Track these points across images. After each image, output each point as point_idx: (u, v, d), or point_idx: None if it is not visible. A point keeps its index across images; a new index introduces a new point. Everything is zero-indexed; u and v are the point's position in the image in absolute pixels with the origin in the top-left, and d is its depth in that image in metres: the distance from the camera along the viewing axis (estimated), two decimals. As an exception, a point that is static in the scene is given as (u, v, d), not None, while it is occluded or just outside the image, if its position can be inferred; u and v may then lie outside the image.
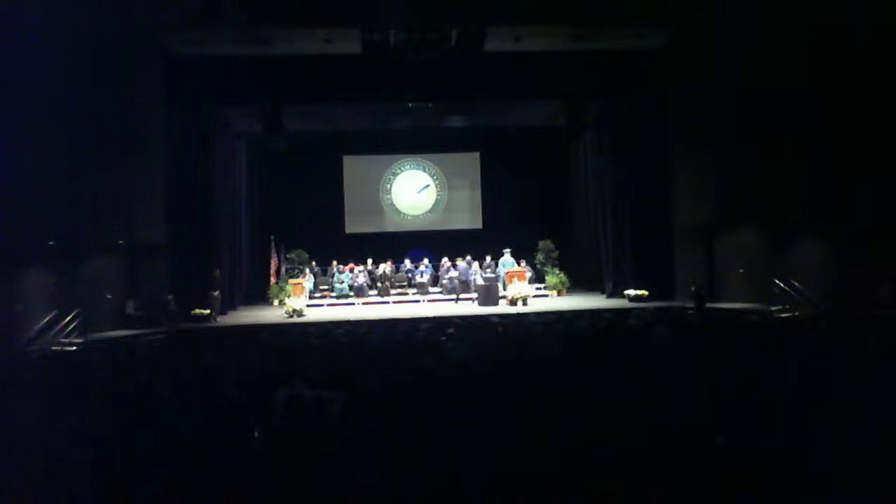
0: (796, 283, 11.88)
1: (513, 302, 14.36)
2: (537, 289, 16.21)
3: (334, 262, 16.90)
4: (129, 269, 13.15)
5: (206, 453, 3.11)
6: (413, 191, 19.58)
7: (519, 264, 16.16)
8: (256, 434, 3.33)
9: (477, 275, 16.52)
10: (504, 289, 15.11)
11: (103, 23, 11.48)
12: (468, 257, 16.50)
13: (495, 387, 4.05)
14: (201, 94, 13.84)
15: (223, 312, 14.31)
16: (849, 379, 4.01)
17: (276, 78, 13.99)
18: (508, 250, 16.45)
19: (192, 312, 13.17)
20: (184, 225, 13.63)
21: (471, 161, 19.58)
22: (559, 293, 16.38)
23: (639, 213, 14.98)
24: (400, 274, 16.85)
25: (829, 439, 3.08)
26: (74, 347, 10.31)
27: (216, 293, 13.63)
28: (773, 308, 11.86)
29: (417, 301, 15.81)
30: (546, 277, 16.86)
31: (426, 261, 17.07)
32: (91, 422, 3.63)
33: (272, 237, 17.21)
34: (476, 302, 14.84)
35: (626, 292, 14.60)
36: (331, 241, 18.19)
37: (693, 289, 12.93)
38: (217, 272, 13.60)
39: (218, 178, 14.79)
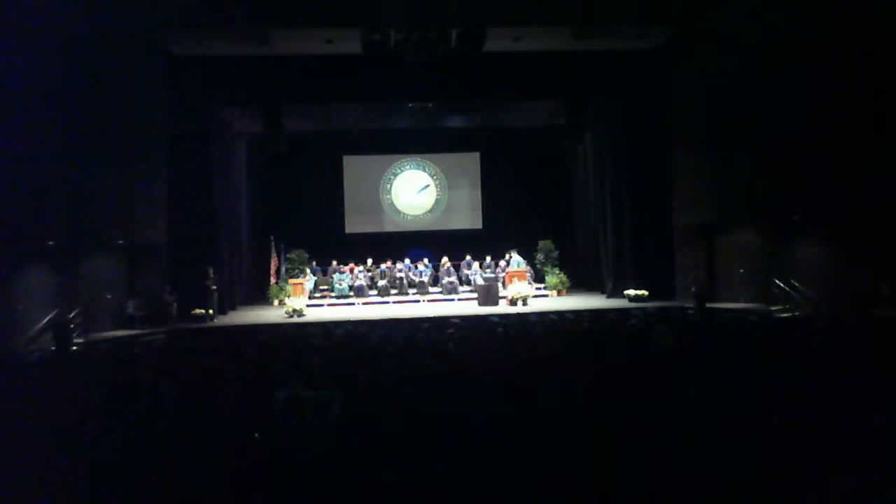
0: (796, 283, 11.88)
1: (513, 302, 14.36)
2: (537, 289, 16.22)
3: (334, 262, 16.91)
4: (129, 269, 13.15)
5: (206, 453, 3.11)
6: (413, 191, 19.58)
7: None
8: (256, 434, 3.33)
9: (477, 275, 16.56)
10: (504, 289, 15.12)
11: (103, 23, 11.48)
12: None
13: (495, 387, 4.05)
14: (201, 94, 13.83)
15: (223, 312, 14.31)
16: (849, 379, 4.01)
17: (276, 78, 13.98)
18: (515, 250, 16.45)
19: (192, 312, 13.16)
20: (184, 225, 13.61)
21: (471, 161, 19.58)
22: (559, 293, 16.38)
23: (639, 213, 14.97)
24: (400, 274, 16.86)
25: (829, 439, 3.08)
26: (74, 347, 10.33)
27: (212, 291, 13.61)
28: (773, 308, 11.86)
29: (417, 301, 15.82)
30: (546, 277, 16.86)
31: (426, 261, 17.08)
32: (91, 422, 3.63)
33: (272, 237, 17.20)
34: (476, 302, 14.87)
35: (626, 292, 14.60)
36: (331, 241, 18.18)
37: (693, 289, 12.94)
38: (211, 271, 13.57)
39: (218, 178, 14.77)
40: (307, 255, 17.24)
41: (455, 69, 13.52)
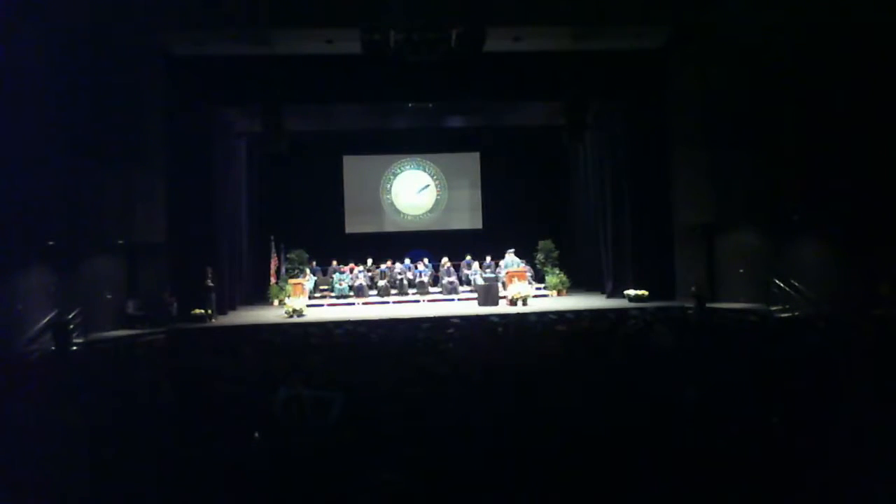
0: (796, 283, 11.88)
1: (513, 302, 14.36)
2: (537, 289, 16.22)
3: (334, 262, 16.91)
4: (129, 269, 13.14)
5: (206, 453, 3.11)
6: (413, 191, 19.58)
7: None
8: (256, 434, 3.33)
9: (477, 275, 16.55)
10: (504, 289, 15.12)
11: (103, 23, 11.47)
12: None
13: (495, 387, 4.05)
14: (201, 94, 13.83)
15: (222, 312, 14.31)
16: (849, 379, 4.01)
17: (276, 78, 13.98)
18: (512, 251, 16.46)
19: (192, 312, 13.16)
20: (184, 225, 13.61)
21: (471, 161, 19.58)
22: (559, 293, 16.38)
23: (639, 213, 14.98)
24: (400, 274, 16.86)
25: (829, 439, 3.08)
26: (74, 347, 10.33)
27: (210, 291, 13.60)
28: (773, 308, 11.86)
29: (417, 301, 15.82)
30: (546, 277, 16.87)
31: (426, 260, 17.08)
32: (91, 422, 3.63)
33: (272, 237, 17.21)
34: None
35: (626, 292, 14.60)
36: (331, 241, 18.19)
37: (693, 289, 12.93)
38: (210, 271, 13.56)
39: (218, 178, 14.77)
40: (307, 255, 17.24)
41: (455, 69, 13.52)
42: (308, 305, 14.57)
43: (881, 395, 3.57)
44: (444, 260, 16.91)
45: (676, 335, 6.08)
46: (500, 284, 15.34)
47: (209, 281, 13.53)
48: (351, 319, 11.84)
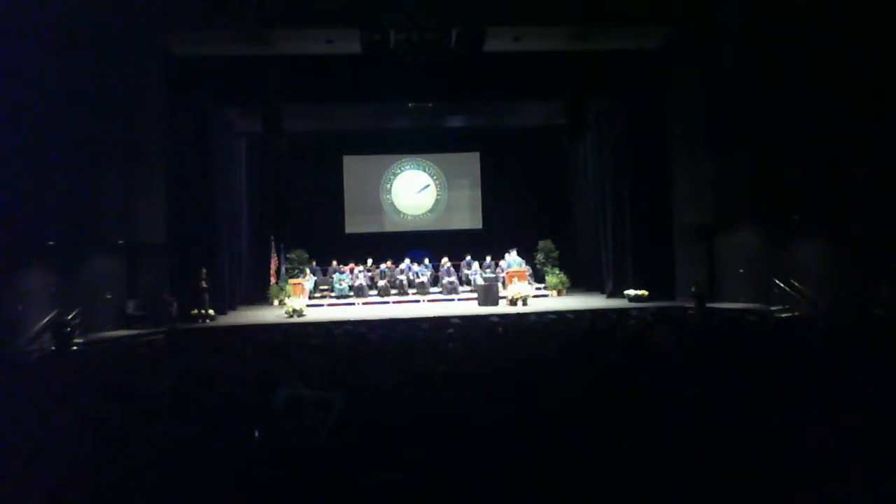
0: (796, 283, 11.89)
1: (513, 302, 14.37)
2: (537, 289, 16.22)
3: (334, 262, 16.92)
4: (129, 269, 13.15)
5: (206, 453, 3.11)
6: (413, 191, 19.60)
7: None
8: (256, 434, 3.33)
9: (477, 275, 16.56)
10: (504, 289, 15.13)
11: (103, 22, 11.48)
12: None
13: (495, 387, 4.05)
14: (201, 94, 13.85)
15: (222, 312, 14.31)
16: (849, 379, 4.01)
17: (276, 78, 13.99)
18: (514, 250, 16.48)
19: (192, 312, 13.17)
20: (184, 225, 13.63)
21: (471, 161, 19.60)
22: (559, 293, 16.39)
23: (639, 213, 14.99)
24: (400, 275, 16.86)
25: (828, 440, 3.08)
26: (74, 347, 10.33)
27: (204, 292, 13.60)
28: (773, 308, 11.86)
29: (417, 301, 15.82)
30: (546, 277, 16.87)
31: (426, 260, 17.09)
32: (91, 422, 3.63)
33: (272, 237, 17.21)
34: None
35: (626, 292, 14.60)
36: (331, 241, 18.21)
37: (693, 289, 12.94)
38: (204, 272, 13.55)
39: (218, 178, 14.78)
40: (307, 255, 17.25)
41: (455, 69, 13.53)
42: (308, 305, 14.57)
43: (881, 395, 3.57)
44: (444, 260, 16.93)
45: (676, 335, 6.08)
46: (500, 284, 15.36)
47: (203, 282, 13.53)
48: (351, 319, 11.84)
